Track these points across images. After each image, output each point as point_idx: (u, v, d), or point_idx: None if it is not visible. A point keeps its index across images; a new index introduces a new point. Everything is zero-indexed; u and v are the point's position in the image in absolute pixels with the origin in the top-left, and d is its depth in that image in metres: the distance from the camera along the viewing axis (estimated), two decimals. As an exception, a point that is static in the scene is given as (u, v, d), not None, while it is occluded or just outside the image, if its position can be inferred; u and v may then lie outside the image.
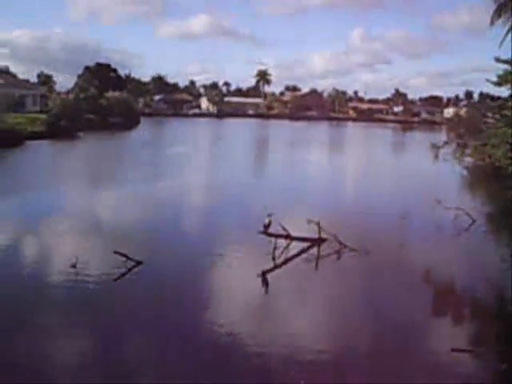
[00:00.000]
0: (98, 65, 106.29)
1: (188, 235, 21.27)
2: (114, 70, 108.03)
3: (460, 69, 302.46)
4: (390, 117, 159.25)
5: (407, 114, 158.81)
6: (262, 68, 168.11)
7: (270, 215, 17.65)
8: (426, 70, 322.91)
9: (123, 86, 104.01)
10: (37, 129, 57.10)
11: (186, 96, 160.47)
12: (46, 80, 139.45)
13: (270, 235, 17.45)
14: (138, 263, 15.58)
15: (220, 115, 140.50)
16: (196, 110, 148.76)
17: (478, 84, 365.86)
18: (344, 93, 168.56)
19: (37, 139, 54.01)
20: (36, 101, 79.38)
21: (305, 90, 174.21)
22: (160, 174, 37.93)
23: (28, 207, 25.08)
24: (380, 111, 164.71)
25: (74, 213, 23.65)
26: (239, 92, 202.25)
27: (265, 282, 15.51)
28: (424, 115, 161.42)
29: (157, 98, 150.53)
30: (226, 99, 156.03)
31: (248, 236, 19.25)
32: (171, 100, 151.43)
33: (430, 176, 39.88)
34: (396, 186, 37.09)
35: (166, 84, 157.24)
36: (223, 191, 31.81)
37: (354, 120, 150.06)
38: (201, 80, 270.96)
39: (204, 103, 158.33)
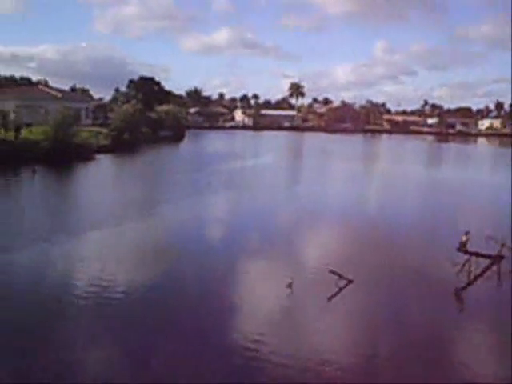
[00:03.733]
0: (142, 78, 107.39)
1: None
2: (158, 84, 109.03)
3: (483, 80, 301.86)
4: (425, 128, 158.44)
5: (442, 125, 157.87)
6: (295, 81, 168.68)
7: (467, 233, 17.45)
8: (449, 81, 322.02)
9: (167, 100, 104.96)
10: (103, 142, 57.88)
11: (221, 109, 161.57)
12: (82, 94, 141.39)
13: (468, 253, 17.20)
14: (349, 282, 15.56)
15: (256, 128, 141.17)
16: (232, 123, 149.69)
17: (500, 95, 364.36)
18: (378, 105, 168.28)
19: (104, 153, 54.78)
20: (88, 114, 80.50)
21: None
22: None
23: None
24: (415, 123, 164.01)
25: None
26: (269, 104, 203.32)
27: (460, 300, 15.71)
28: (459, 127, 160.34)
29: (192, 110, 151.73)
30: (262, 112, 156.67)
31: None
32: (207, 113, 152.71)
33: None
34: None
35: (201, 97, 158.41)
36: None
37: (389, 132, 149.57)
38: (227, 92, 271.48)
39: (238, 116, 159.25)
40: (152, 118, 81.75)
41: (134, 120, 66.69)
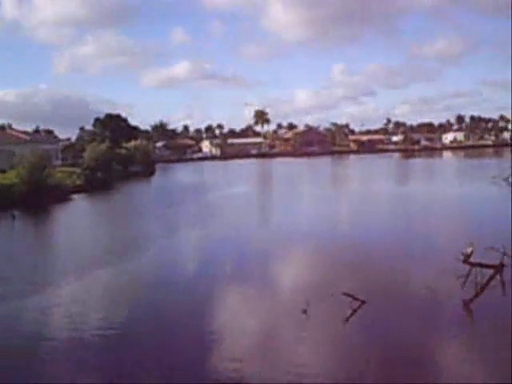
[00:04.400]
0: (108, 116, 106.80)
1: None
2: (125, 120, 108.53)
3: (440, 95, 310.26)
4: (391, 146, 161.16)
5: (407, 142, 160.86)
6: (257, 108, 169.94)
7: (472, 244, 17.37)
8: (409, 98, 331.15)
9: (135, 135, 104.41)
10: (77, 182, 56.98)
11: (187, 141, 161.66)
12: (47, 135, 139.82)
13: (472, 265, 17.10)
14: (363, 303, 15.22)
15: (224, 157, 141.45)
16: (200, 154, 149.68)
17: (459, 108, 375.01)
18: (342, 126, 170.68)
19: (78, 193, 53.90)
20: (57, 155, 79.39)
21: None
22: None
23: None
24: (380, 142, 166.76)
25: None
26: (234, 133, 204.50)
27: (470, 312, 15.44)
28: (424, 142, 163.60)
29: (159, 144, 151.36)
30: (229, 141, 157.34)
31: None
32: (173, 146, 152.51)
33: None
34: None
35: (166, 130, 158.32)
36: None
37: (356, 152, 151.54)
38: (191, 124, 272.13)
39: (205, 146, 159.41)
40: (121, 154, 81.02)
41: (106, 158, 65.98)
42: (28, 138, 70.21)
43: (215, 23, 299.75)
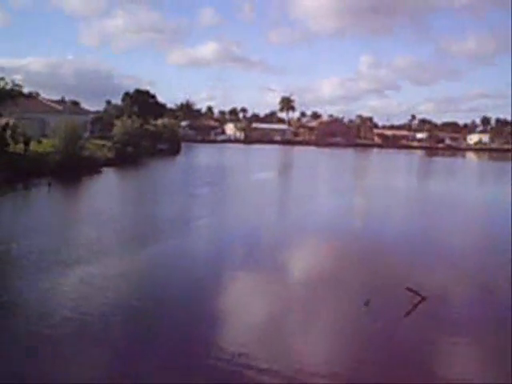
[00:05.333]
0: (138, 91, 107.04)
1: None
2: (153, 97, 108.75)
3: (466, 95, 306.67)
4: (415, 143, 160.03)
5: (432, 140, 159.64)
6: (282, 94, 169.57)
7: None
8: (434, 96, 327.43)
9: (162, 113, 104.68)
10: (109, 155, 57.37)
11: (211, 122, 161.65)
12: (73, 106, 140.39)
13: None
14: (423, 299, 15.26)
15: (247, 141, 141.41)
16: (223, 136, 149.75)
17: (483, 110, 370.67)
18: (368, 119, 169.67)
19: (108, 166, 54.24)
20: (87, 127, 79.77)
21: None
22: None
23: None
24: (404, 138, 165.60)
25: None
26: (257, 118, 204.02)
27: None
28: (448, 141, 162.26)
29: (183, 123, 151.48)
30: (253, 125, 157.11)
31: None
32: (198, 126, 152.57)
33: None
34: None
35: (192, 110, 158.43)
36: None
37: (380, 146, 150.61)
38: (214, 106, 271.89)
39: (229, 129, 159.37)
40: (150, 131, 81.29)
41: (137, 134, 66.37)
42: (60, 108, 70.63)
43: (245, 6, 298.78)
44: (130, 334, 12.77)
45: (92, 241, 21.36)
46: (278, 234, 25.37)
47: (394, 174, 67.62)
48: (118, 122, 67.71)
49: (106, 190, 40.92)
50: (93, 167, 49.26)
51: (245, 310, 14.76)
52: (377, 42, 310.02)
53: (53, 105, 72.25)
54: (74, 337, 12.17)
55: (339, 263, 20.44)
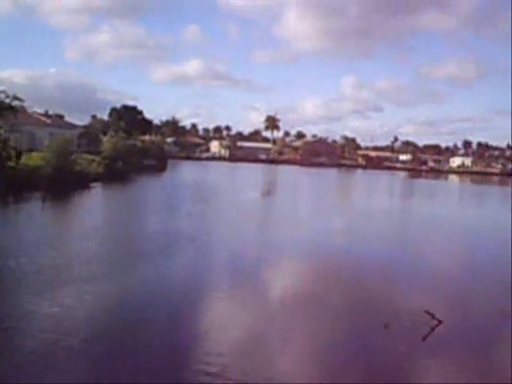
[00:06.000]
0: (125, 107, 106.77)
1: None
2: (140, 113, 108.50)
3: (448, 118, 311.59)
4: (398, 164, 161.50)
5: (415, 162, 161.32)
6: (266, 113, 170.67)
7: None
8: (416, 118, 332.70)
9: (149, 129, 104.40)
10: (98, 170, 56.81)
11: (197, 139, 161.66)
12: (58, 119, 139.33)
13: None
14: (440, 322, 15.09)
15: (232, 159, 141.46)
16: (208, 154, 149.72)
17: (464, 133, 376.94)
18: (354, 140, 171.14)
19: (97, 181, 53.61)
20: (73, 141, 79.05)
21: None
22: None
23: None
24: (388, 159, 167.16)
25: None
26: (241, 136, 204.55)
27: None
28: (431, 164, 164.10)
29: (168, 140, 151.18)
30: (238, 144, 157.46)
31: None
32: (183, 143, 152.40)
33: None
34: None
35: (177, 127, 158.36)
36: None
37: (363, 167, 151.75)
38: (198, 123, 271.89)
39: (214, 147, 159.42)
40: (138, 147, 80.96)
41: (126, 149, 65.99)
42: (49, 121, 69.98)
43: (230, 25, 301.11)
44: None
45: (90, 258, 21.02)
46: (262, 254, 25.12)
47: (380, 195, 68.24)
48: (107, 138, 67.26)
49: (99, 207, 40.40)
50: (84, 182, 48.75)
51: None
52: (359, 63, 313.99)
53: (41, 118, 71.55)
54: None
55: (318, 284, 20.25)
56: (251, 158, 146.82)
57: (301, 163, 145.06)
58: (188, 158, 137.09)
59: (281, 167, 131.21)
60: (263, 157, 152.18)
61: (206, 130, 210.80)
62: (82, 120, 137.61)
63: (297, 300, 17.33)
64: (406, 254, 27.15)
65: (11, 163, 43.52)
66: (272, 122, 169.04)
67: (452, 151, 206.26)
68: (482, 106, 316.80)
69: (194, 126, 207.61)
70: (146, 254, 22.21)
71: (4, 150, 43.11)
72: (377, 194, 71.37)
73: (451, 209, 55.22)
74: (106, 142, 65.78)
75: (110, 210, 39.17)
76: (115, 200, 46.88)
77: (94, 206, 40.23)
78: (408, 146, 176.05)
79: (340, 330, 15.00)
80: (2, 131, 29.15)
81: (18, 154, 44.91)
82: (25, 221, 30.76)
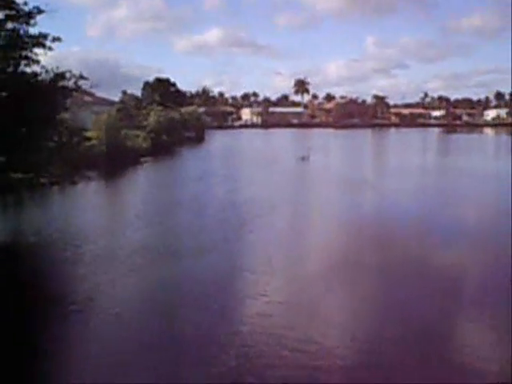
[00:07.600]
0: (158, 80, 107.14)
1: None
2: (174, 85, 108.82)
3: (474, 71, 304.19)
4: (432, 121, 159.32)
5: (449, 117, 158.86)
6: (301, 77, 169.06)
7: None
8: (441, 73, 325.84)
9: (182, 101, 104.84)
10: (144, 145, 57.67)
11: (227, 108, 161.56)
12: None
13: None
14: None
15: (265, 126, 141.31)
16: (241, 122, 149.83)
17: (492, 85, 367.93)
18: (383, 98, 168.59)
19: (146, 156, 54.26)
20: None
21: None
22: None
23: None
24: (421, 116, 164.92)
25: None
26: (269, 102, 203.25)
27: None
28: (465, 118, 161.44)
29: (200, 110, 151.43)
30: (270, 110, 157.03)
31: None
32: (214, 112, 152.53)
33: None
34: None
35: (208, 97, 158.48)
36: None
37: (397, 126, 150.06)
38: (223, 91, 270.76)
39: (245, 114, 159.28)
40: (176, 119, 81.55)
41: (170, 123, 66.78)
42: (91, 99, 70.78)
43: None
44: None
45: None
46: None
47: (423, 153, 67.90)
48: (152, 112, 68.00)
49: (163, 183, 40.38)
50: (136, 158, 49.70)
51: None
52: (382, 21, 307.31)
53: (85, 97, 72.39)
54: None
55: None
56: (283, 123, 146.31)
57: (334, 125, 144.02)
58: (220, 127, 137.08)
59: (315, 131, 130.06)
60: (295, 121, 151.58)
61: (234, 98, 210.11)
62: (109, 95, 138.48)
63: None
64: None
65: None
66: (302, 86, 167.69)
67: (484, 104, 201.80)
68: (508, 56, 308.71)
69: (221, 94, 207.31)
70: (245, 221, 23.39)
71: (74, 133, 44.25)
72: (420, 152, 70.87)
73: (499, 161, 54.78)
74: (151, 116, 66.36)
75: (177, 184, 39.16)
76: (176, 174, 46.54)
77: (158, 181, 40.81)
78: (440, 101, 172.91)
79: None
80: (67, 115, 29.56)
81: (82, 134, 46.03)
82: (100, 200, 31.82)
